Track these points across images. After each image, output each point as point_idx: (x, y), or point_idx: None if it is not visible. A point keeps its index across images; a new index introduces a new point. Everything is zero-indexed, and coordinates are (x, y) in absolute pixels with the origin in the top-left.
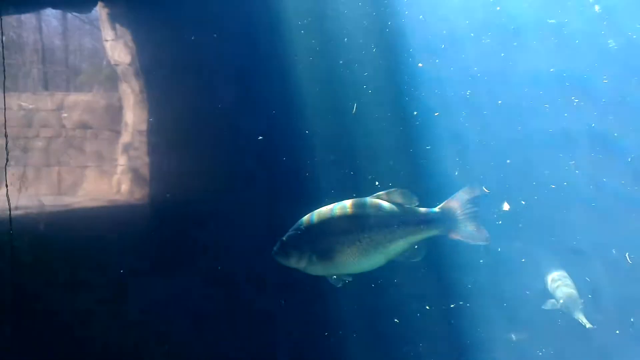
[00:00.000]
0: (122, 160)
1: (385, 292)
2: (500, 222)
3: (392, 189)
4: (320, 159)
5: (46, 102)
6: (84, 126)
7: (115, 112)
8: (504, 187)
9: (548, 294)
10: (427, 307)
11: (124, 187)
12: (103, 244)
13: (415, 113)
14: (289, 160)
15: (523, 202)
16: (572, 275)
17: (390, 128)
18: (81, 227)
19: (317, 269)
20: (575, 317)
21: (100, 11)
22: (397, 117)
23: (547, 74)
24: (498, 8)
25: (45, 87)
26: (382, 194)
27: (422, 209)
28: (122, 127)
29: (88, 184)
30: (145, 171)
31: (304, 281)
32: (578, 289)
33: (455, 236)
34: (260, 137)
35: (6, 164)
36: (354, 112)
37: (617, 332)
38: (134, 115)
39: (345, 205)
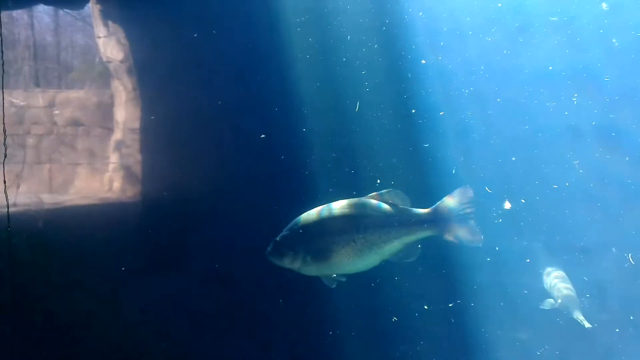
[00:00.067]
0: (114, 157)
1: (382, 291)
2: (500, 221)
3: (387, 190)
4: (320, 157)
5: (37, 99)
6: (75, 123)
7: (107, 110)
8: (508, 185)
9: (547, 294)
10: (426, 307)
11: (116, 184)
12: (96, 242)
13: (413, 111)
14: (288, 158)
15: (523, 201)
16: (576, 275)
17: (392, 126)
18: (73, 225)
19: (312, 270)
20: (574, 317)
21: (92, 8)
22: (399, 115)
23: (552, 70)
24: (500, 4)
25: (37, 84)
26: (376, 195)
27: (416, 210)
28: (114, 125)
29: (80, 181)
30: (137, 169)
31: (302, 281)
32: (576, 288)
33: (448, 237)
34: (263, 136)
35: (4, 161)
36: (356, 109)
37: (617, 330)
38: (126, 113)
39: (339, 206)
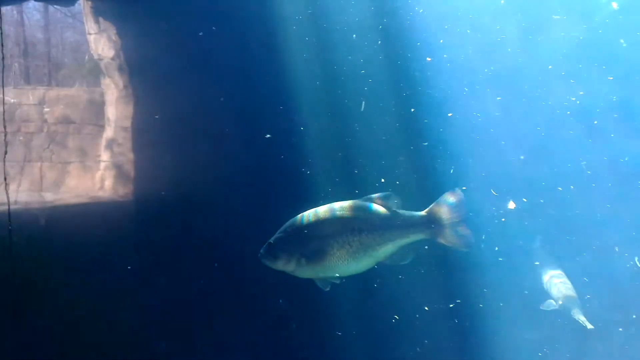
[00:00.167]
0: (105, 155)
1: (383, 292)
2: (503, 220)
3: (381, 193)
4: (322, 156)
5: (28, 96)
6: (66, 121)
7: (98, 107)
8: (514, 185)
9: (547, 294)
10: (426, 308)
11: (108, 182)
12: (89, 241)
13: (412, 110)
14: (288, 158)
15: (525, 200)
16: (587, 275)
17: (395, 125)
18: (65, 224)
19: (306, 272)
20: (575, 318)
21: (83, 4)
22: (402, 114)
23: (558, 70)
24: (502, 1)
25: (27, 81)
26: (370, 197)
27: (410, 213)
28: (106, 123)
29: (71, 179)
30: (129, 167)
31: (302, 282)
32: (586, 289)
33: (441, 240)
34: (268, 136)
35: (4, 157)
36: (362, 109)
37: (620, 329)
38: (117, 111)
39: (334, 208)
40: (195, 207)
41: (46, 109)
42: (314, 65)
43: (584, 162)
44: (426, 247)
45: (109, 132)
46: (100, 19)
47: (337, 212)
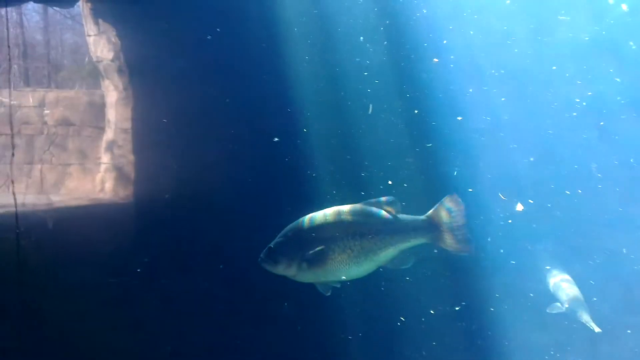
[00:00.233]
0: (105, 158)
1: (388, 294)
2: (510, 222)
3: (382, 197)
4: (327, 159)
5: (27, 98)
6: (66, 123)
7: (98, 109)
8: (521, 188)
9: (553, 297)
10: (432, 312)
11: (108, 185)
12: (92, 244)
13: (415, 111)
14: (292, 160)
15: (531, 201)
16: (599, 278)
17: (401, 128)
18: (66, 227)
19: (307, 277)
20: (582, 321)
21: (82, 6)
22: (408, 116)
23: (567, 74)
24: (508, 1)
25: (27, 83)
26: (371, 201)
27: (411, 217)
28: (106, 125)
29: (70, 182)
30: (129, 169)
31: (306, 284)
32: (599, 291)
33: (441, 245)
34: (276, 139)
35: (12, 159)
36: (370, 112)
37: (629, 331)
38: (117, 113)
39: (335, 212)
40: (197, 209)
41: (46, 111)
42: (318, 67)
43: (594, 165)
44: (435, 250)
45: (109, 134)
46: (100, 21)
47: (338, 216)
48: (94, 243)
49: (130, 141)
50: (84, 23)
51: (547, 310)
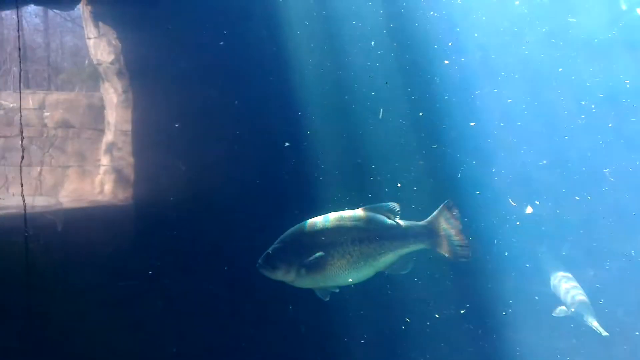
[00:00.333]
0: (105, 160)
1: (393, 297)
2: (518, 224)
3: (381, 203)
4: (334, 162)
5: (27, 100)
6: (66, 125)
7: (98, 112)
8: (534, 191)
9: (558, 300)
10: (437, 316)
11: (108, 187)
12: (95, 246)
13: (420, 114)
14: (296, 162)
15: (537, 202)
16: (611, 281)
17: (408, 131)
18: (69, 229)
19: (306, 282)
20: (590, 325)
21: (82, 9)
22: (417, 118)
23: (584, 79)
24: (517, 2)
25: (27, 86)
26: (371, 207)
27: (410, 223)
28: (105, 127)
29: (70, 184)
30: (129, 171)
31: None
32: (615, 295)
33: (440, 251)
34: (287, 144)
35: (21, 162)
36: (380, 116)
37: (638, 333)
38: (117, 115)
39: (334, 218)
40: (198, 211)
41: (46, 114)
42: (323, 68)
43: (607, 170)
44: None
45: (108, 136)
46: (100, 23)
47: (338, 222)
48: (94, 245)
49: (130, 143)
50: (84, 26)
51: (553, 314)
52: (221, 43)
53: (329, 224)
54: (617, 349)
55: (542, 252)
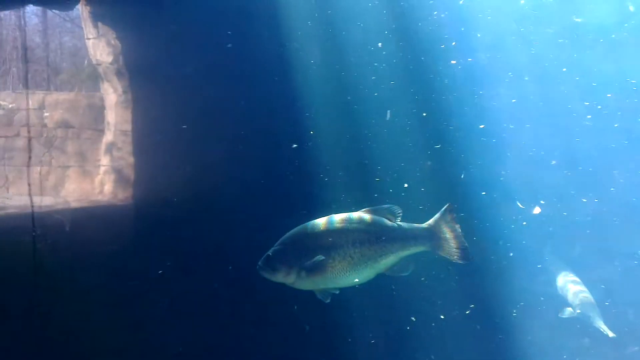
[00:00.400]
0: (105, 160)
1: (398, 297)
2: (525, 224)
3: (382, 205)
4: (339, 162)
5: (27, 100)
6: (65, 125)
7: (98, 112)
8: (544, 192)
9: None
10: (442, 317)
11: (108, 187)
12: (95, 246)
13: (424, 114)
14: (298, 162)
15: (542, 202)
16: (620, 282)
17: (416, 131)
18: (70, 229)
19: (306, 284)
20: (596, 326)
21: (82, 9)
22: (422, 119)
23: (594, 77)
24: (522, 1)
25: (26, 86)
26: (372, 209)
27: (411, 225)
28: (105, 127)
29: (70, 184)
30: (129, 171)
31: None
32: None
33: (441, 253)
34: (295, 145)
35: (29, 162)
36: (388, 117)
37: None
38: (116, 115)
39: (335, 220)
40: (199, 211)
41: (45, 114)
42: (327, 68)
43: (616, 171)
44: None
45: (108, 137)
46: (99, 24)
47: (338, 224)
48: (93, 245)
49: (130, 143)
50: (83, 26)
51: (559, 315)
52: (222, 43)
53: (329, 226)
54: (628, 350)
55: (547, 252)
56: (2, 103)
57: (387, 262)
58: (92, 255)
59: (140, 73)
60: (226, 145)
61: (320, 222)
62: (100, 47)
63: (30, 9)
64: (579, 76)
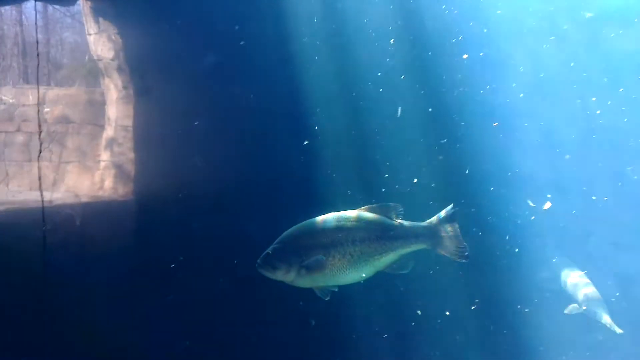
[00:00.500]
0: (105, 155)
1: (404, 294)
2: (533, 219)
3: (383, 203)
4: (343, 160)
5: (27, 96)
6: (66, 121)
7: (98, 107)
8: (556, 187)
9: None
10: (447, 313)
11: (107, 182)
12: (95, 242)
13: (429, 109)
14: (299, 161)
15: (550, 196)
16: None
17: (422, 128)
18: (71, 224)
19: (306, 282)
20: (602, 322)
21: (82, 4)
22: (429, 115)
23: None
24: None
25: (26, 81)
26: (372, 207)
27: (411, 223)
28: (106, 122)
29: (70, 179)
30: (129, 167)
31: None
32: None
33: (441, 251)
34: (306, 142)
35: (39, 156)
36: (398, 114)
37: None
38: (117, 111)
39: (334, 218)
40: (201, 207)
41: (46, 109)
42: (331, 65)
43: (630, 167)
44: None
45: (109, 132)
46: (100, 19)
47: (338, 222)
48: (94, 241)
49: (131, 139)
50: (84, 21)
51: (565, 312)
52: (225, 38)
53: (329, 224)
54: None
55: (554, 248)
56: (4, 98)
57: (387, 259)
58: (93, 251)
59: (141, 69)
60: (228, 142)
61: (320, 220)
62: (101, 42)
63: (32, 4)
64: (587, 73)
